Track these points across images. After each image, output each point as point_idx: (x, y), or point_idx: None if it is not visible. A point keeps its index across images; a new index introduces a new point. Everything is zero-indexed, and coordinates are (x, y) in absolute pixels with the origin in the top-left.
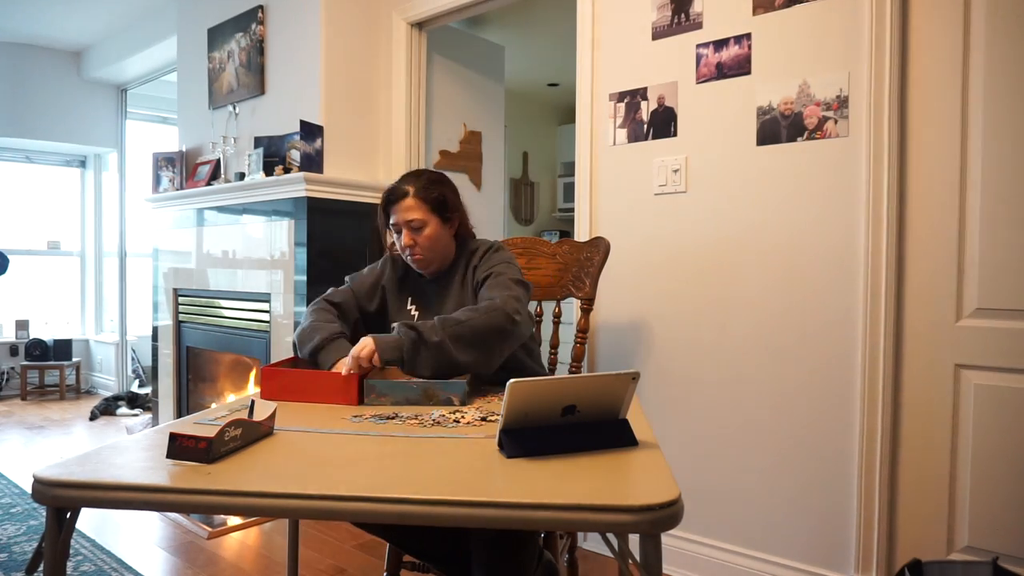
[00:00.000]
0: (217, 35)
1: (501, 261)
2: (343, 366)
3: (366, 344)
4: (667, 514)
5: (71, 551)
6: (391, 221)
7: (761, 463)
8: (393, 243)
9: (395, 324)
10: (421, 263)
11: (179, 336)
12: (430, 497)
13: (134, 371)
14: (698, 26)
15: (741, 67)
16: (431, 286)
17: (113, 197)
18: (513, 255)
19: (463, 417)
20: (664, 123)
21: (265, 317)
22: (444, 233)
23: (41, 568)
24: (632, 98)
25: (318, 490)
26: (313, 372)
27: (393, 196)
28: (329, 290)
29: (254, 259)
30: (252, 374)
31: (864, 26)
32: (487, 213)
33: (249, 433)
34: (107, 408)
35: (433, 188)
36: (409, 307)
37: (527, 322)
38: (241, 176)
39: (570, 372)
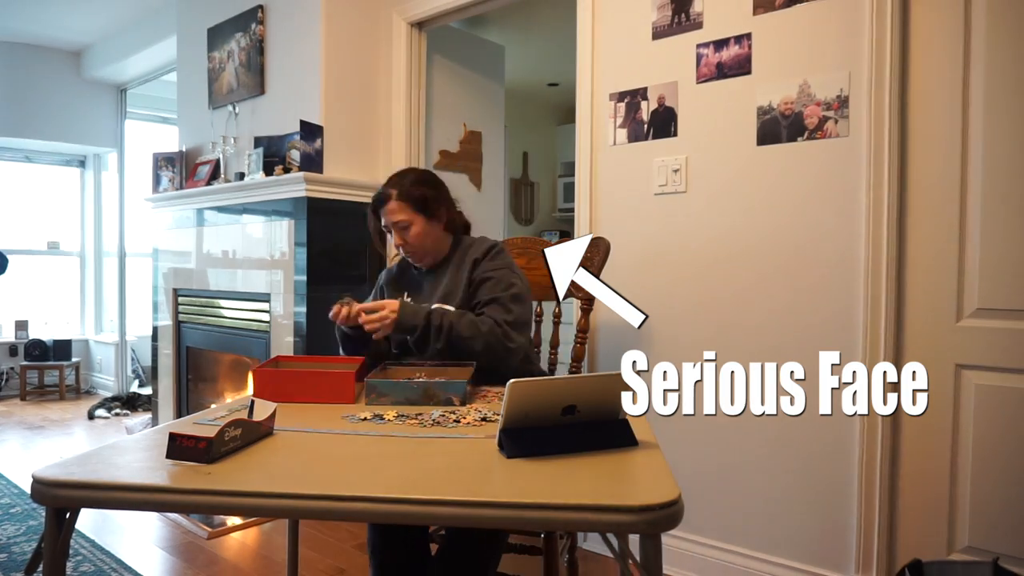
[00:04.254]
0: (217, 35)
1: (504, 266)
2: (354, 306)
3: (391, 317)
4: (667, 514)
5: (71, 551)
6: (382, 223)
7: (761, 464)
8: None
9: (411, 303)
10: (415, 258)
11: (179, 336)
12: (430, 497)
13: (134, 371)
14: (698, 26)
15: (741, 67)
16: (426, 278)
17: (113, 197)
18: (513, 259)
19: (463, 417)
20: (664, 123)
21: (265, 317)
22: (432, 228)
23: (41, 568)
24: (632, 98)
25: (318, 490)
26: (307, 372)
27: (379, 200)
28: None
29: (254, 259)
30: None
31: (864, 26)
32: (487, 213)
33: (249, 433)
34: (106, 408)
35: (415, 188)
36: (405, 299)
37: (522, 346)
38: (241, 176)
39: (570, 372)
